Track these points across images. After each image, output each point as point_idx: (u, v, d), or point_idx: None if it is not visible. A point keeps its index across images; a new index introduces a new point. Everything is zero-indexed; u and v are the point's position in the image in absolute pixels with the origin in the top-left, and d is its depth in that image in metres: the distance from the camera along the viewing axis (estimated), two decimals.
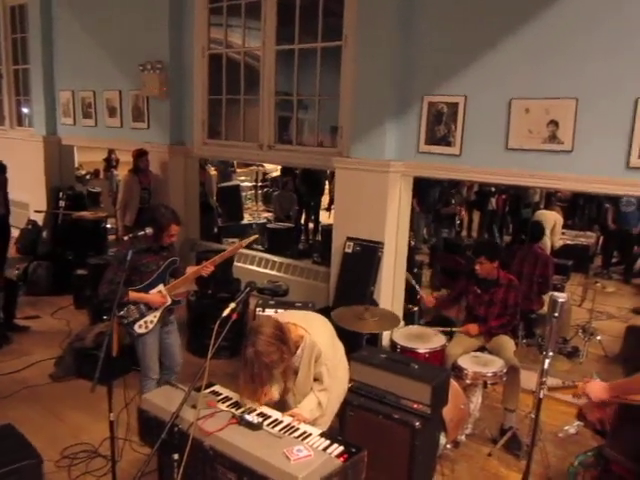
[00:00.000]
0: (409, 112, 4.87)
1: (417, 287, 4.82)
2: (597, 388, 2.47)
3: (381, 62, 4.78)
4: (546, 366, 2.27)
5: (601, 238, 9.09)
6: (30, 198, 8.45)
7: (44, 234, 7.96)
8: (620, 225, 8.31)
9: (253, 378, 2.65)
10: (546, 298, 5.64)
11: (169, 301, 3.74)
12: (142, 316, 3.66)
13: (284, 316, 3.04)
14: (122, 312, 3.58)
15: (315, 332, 2.95)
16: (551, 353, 2.29)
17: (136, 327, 3.65)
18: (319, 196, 10.21)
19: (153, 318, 3.69)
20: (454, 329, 4.41)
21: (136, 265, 3.52)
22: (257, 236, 5.19)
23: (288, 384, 2.99)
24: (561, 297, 2.28)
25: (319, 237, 9.61)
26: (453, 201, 7.77)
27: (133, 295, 3.58)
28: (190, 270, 3.84)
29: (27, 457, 2.93)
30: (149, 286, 3.67)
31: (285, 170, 11.04)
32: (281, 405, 3.01)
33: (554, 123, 4.18)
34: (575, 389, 2.54)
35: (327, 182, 11.69)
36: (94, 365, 3.03)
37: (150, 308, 3.68)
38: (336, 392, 3.13)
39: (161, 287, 3.71)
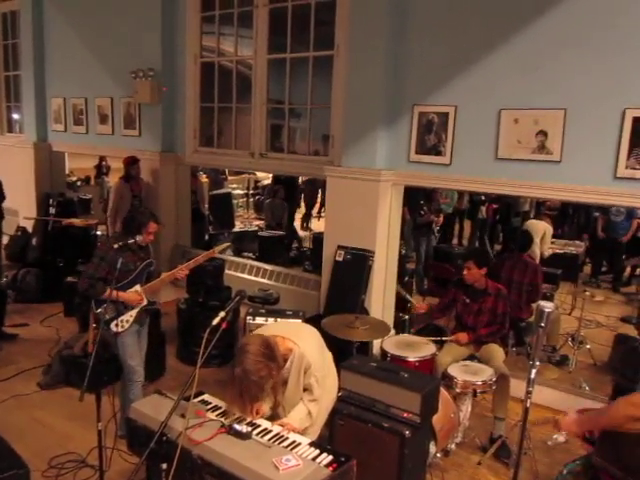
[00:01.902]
0: (400, 121, 4.90)
1: (407, 297, 4.83)
2: (570, 423, 2.46)
3: (372, 71, 4.81)
4: (533, 375, 2.28)
5: (590, 247, 9.16)
6: (20, 204, 8.39)
7: (34, 241, 7.90)
8: (609, 234, 8.38)
9: (242, 394, 2.65)
10: (535, 306, 5.66)
11: (145, 301, 3.77)
12: (119, 315, 3.68)
13: (271, 329, 3.04)
14: (100, 310, 3.59)
15: (303, 344, 2.95)
16: (538, 362, 2.30)
17: (112, 326, 3.66)
18: (294, 203, 10.25)
19: (129, 317, 3.71)
20: (444, 338, 4.42)
21: (114, 264, 3.53)
22: (230, 244, 5.33)
23: (278, 398, 2.99)
24: (548, 307, 2.30)
25: (296, 243, 9.74)
26: (422, 211, 7.75)
27: (112, 292, 3.58)
28: (165, 274, 3.90)
29: (13, 467, 2.89)
30: (126, 285, 3.69)
31: (277, 178, 11.07)
32: (271, 418, 3.00)
33: (543, 133, 4.23)
34: (556, 422, 2.52)
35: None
36: (83, 373, 3.02)
37: (127, 307, 3.70)
38: (325, 402, 3.13)
39: (137, 287, 3.75)
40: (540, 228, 7.47)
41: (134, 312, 3.73)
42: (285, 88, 6.07)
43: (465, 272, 4.28)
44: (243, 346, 2.74)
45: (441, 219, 8.48)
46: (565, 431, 2.52)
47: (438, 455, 3.73)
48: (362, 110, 4.92)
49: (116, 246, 3.47)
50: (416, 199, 7.65)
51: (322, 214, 11.92)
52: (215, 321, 2.55)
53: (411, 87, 4.82)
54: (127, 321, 3.71)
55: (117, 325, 3.68)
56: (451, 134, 4.66)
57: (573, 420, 2.46)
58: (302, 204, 12.32)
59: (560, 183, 4.20)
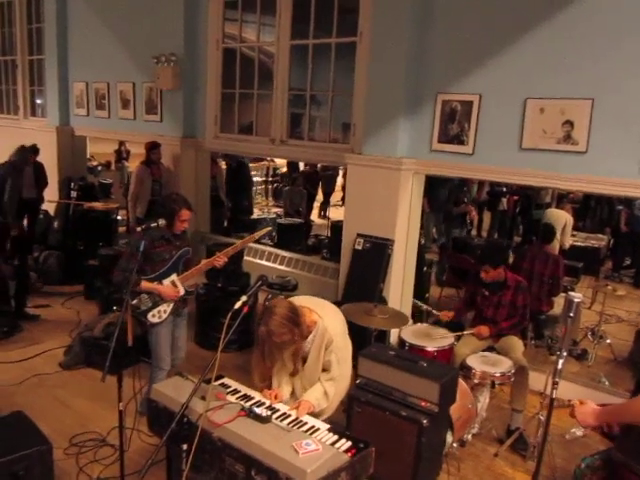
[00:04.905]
0: (422, 110, 4.85)
1: (429, 309, 4.77)
2: (586, 413, 2.36)
3: (395, 59, 4.76)
4: (560, 366, 2.25)
5: (612, 241, 9.02)
6: None
7: (55, 224, 8.00)
8: (632, 228, 8.24)
9: (264, 357, 2.70)
10: (556, 300, 5.60)
11: (182, 292, 3.73)
12: (155, 305, 3.65)
13: (300, 300, 3.07)
14: (135, 301, 3.58)
15: (328, 319, 2.98)
16: (565, 353, 2.27)
17: (149, 316, 3.64)
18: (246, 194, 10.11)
19: (167, 307, 3.69)
20: (465, 332, 4.37)
21: (149, 254, 3.51)
22: (270, 228, 5.18)
23: (297, 367, 3.02)
24: (577, 297, 2.27)
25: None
26: (465, 200, 7.65)
27: (145, 285, 3.58)
28: (203, 261, 3.85)
29: (37, 444, 2.96)
30: (162, 275, 3.66)
31: (293, 166, 11.03)
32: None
33: (569, 123, 4.15)
34: (571, 408, 2.41)
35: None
36: (102, 355, 3.05)
37: (162, 297, 3.68)
38: (340, 387, 3.14)
39: (174, 277, 3.70)
40: (561, 218, 7.33)
41: (171, 302, 3.70)
42: (306, 76, 6.03)
43: (483, 275, 4.23)
44: (271, 307, 2.79)
45: (475, 211, 8.35)
46: (580, 422, 2.40)
47: (455, 445, 3.72)
48: (384, 98, 4.87)
49: (139, 229, 3.46)
50: (437, 190, 7.58)
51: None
52: (237, 305, 2.56)
53: (435, 75, 4.76)
54: (164, 311, 3.68)
55: (154, 316, 3.65)
56: (474, 123, 4.60)
57: (591, 411, 2.36)
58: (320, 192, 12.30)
59: (586, 174, 4.12)
